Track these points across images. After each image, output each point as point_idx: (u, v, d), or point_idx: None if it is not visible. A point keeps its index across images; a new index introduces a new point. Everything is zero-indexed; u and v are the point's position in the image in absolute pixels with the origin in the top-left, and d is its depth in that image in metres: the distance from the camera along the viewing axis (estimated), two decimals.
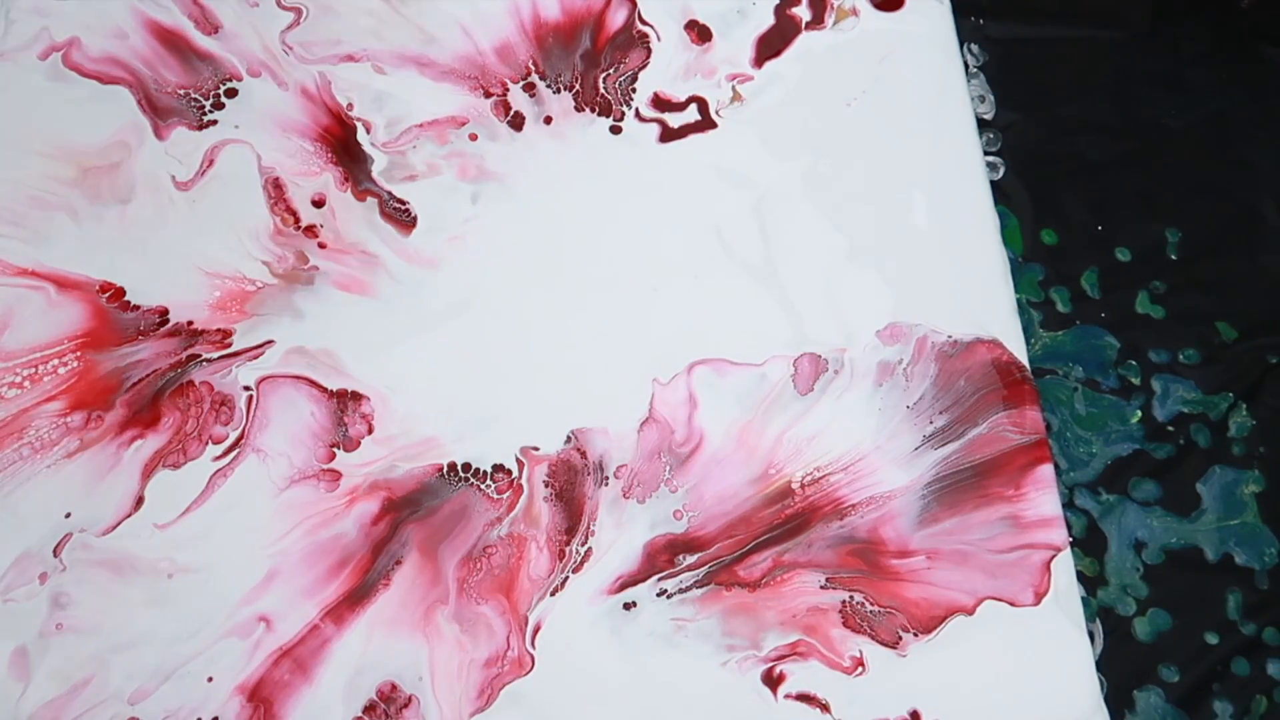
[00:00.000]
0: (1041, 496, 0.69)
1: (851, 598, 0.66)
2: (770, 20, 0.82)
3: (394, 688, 0.63)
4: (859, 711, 0.65)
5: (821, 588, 0.66)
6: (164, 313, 0.71)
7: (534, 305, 0.73)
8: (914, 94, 0.81)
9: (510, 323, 0.73)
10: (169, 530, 0.65)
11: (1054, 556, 0.67)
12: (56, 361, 0.69)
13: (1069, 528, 0.69)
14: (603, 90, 0.80)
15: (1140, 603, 0.70)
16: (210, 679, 0.63)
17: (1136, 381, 0.76)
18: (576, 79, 0.80)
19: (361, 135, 0.76)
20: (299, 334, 0.71)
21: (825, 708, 0.64)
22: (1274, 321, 0.79)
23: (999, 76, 0.88)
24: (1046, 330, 0.78)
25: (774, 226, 0.76)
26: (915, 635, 0.65)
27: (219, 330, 0.70)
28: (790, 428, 0.71)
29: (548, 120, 0.78)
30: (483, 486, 0.68)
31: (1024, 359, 0.73)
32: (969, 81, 0.84)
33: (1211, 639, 0.70)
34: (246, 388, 0.69)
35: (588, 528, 0.67)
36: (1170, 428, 0.74)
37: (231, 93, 0.77)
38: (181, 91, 0.76)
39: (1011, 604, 0.66)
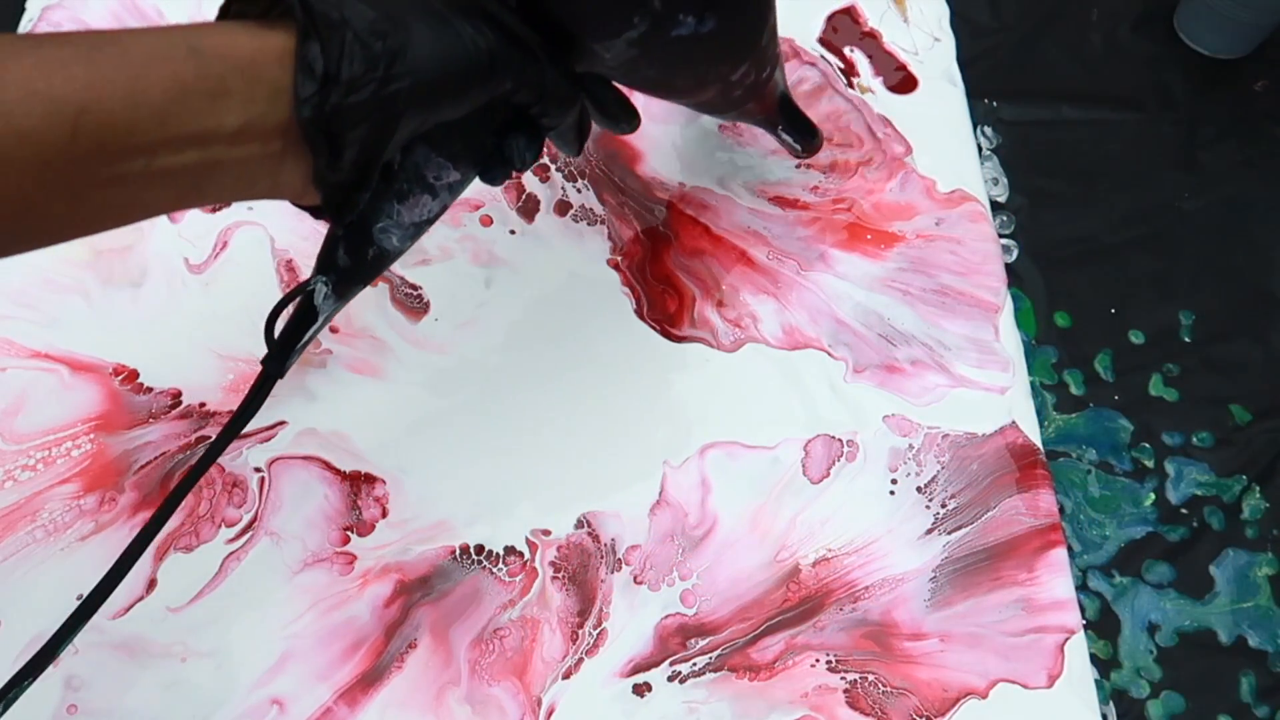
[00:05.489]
0: (1054, 579, 0.71)
1: (864, 678, 0.68)
2: None
3: None
4: None
5: (832, 669, 0.68)
6: (177, 395, 0.74)
7: (545, 388, 0.76)
8: (928, 177, 0.86)
9: (522, 405, 0.75)
10: (182, 613, 0.68)
11: (1067, 639, 0.69)
12: (70, 444, 0.72)
13: (1082, 610, 0.71)
14: (611, 174, 0.84)
15: (1154, 685, 0.72)
16: None
17: (1150, 464, 0.79)
18: (588, 161, 0.84)
19: None
20: (311, 416, 0.74)
21: None
22: None
23: (1012, 159, 0.91)
24: (1060, 413, 0.81)
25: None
26: (928, 719, 0.68)
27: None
28: (803, 511, 0.73)
29: (560, 206, 0.83)
30: (495, 570, 0.71)
31: (1038, 442, 0.76)
32: (983, 164, 0.89)
33: None
34: (257, 469, 0.72)
35: (600, 610, 0.70)
36: (1183, 510, 0.77)
37: None
38: None
39: (1025, 686, 0.68)
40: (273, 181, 0.49)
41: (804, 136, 0.78)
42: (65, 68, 0.41)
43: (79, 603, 0.57)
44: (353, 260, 0.56)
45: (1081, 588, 0.75)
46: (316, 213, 0.54)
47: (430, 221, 0.58)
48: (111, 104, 0.42)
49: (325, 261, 0.56)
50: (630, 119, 0.65)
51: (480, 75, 0.51)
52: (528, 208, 0.82)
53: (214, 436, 0.59)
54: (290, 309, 0.57)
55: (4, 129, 0.40)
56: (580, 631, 0.69)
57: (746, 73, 0.67)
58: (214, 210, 0.80)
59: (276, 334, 0.57)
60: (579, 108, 0.61)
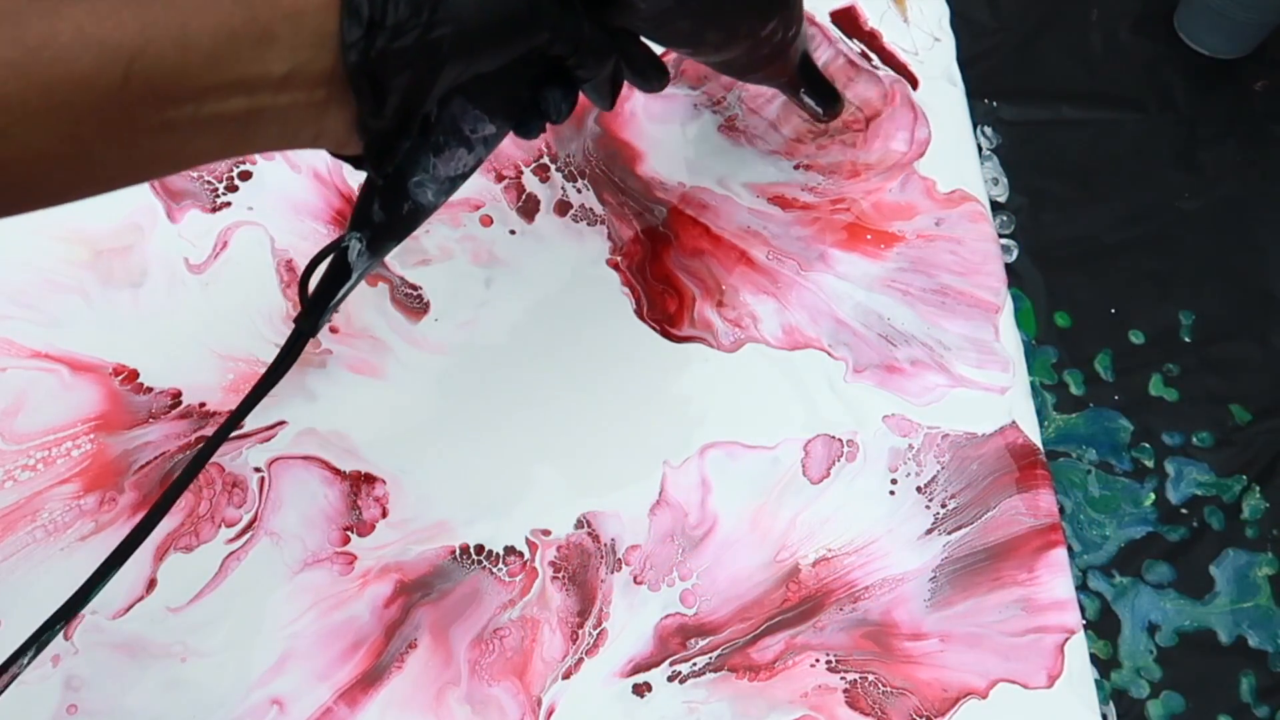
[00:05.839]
0: (1054, 579, 0.72)
1: (864, 678, 0.69)
2: None
3: None
4: None
5: (831, 669, 0.69)
6: (177, 395, 0.74)
7: (545, 388, 0.76)
8: (928, 177, 0.86)
9: (522, 405, 0.76)
10: (182, 613, 0.68)
11: (1067, 639, 0.70)
12: (70, 444, 0.72)
13: (1082, 610, 0.72)
14: (611, 174, 0.84)
15: (1154, 685, 0.72)
16: None
17: (1150, 464, 0.79)
18: (588, 162, 0.85)
19: None
20: (311, 416, 0.74)
21: None
22: None
23: (1012, 159, 0.92)
24: (1060, 413, 0.81)
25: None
26: (928, 719, 0.68)
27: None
28: (803, 511, 0.74)
29: (560, 206, 0.83)
30: (495, 570, 0.71)
31: (1038, 442, 0.77)
32: (982, 164, 0.89)
33: None
34: (257, 469, 0.72)
35: (600, 610, 0.70)
36: (1183, 510, 0.77)
37: (245, 175, 0.80)
38: (195, 174, 0.80)
39: (1025, 686, 0.69)
40: (316, 130, 0.50)
41: (825, 99, 0.79)
42: (116, 12, 0.42)
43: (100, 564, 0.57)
44: (388, 215, 0.57)
45: (1081, 588, 0.75)
46: (357, 163, 0.55)
47: (465, 176, 0.59)
48: (162, 49, 0.42)
49: (360, 217, 0.57)
50: (660, 76, 0.66)
51: (520, 25, 0.52)
52: (528, 208, 0.82)
53: (214, 435, 0.59)
54: (323, 267, 0.58)
55: (60, 73, 0.40)
56: (580, 631, 0.69)
57: (775, 29, 0.68)
58: (214, 210, 0.80)
59: (311, 291, 0.58)
60: (614, 60, 0.62)
